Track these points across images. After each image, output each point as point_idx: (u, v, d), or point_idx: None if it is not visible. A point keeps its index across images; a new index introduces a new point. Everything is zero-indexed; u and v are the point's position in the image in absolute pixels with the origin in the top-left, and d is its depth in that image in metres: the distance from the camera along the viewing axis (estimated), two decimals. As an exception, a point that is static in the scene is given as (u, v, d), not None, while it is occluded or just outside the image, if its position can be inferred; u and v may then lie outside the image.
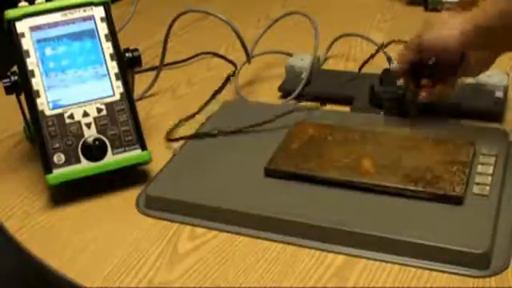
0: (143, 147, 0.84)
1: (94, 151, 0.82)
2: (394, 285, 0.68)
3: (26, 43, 0.83)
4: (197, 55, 1.18)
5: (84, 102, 0.84)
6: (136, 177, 0.86)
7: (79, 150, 0.82)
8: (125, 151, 0.84)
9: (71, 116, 0.83)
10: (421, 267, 0.70)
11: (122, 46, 0.87)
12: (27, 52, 0.83)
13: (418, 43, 0.87)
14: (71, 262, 0.75)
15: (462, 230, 0.71)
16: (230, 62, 1.15)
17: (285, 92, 1.04)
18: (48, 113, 0.82)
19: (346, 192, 0.78)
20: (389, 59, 1.05)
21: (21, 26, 0.83)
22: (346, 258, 0.72)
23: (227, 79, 1.08)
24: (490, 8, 0.81)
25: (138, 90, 1.02)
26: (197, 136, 0.91)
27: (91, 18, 0.85)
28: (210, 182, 0.82)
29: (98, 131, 0.83)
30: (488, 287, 0.68)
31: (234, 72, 1.09)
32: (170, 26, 1.05)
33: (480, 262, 0.69)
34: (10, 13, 0.83)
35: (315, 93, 1.02)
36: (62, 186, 0.83)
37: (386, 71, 1.04)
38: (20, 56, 0.83)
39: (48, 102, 0.83)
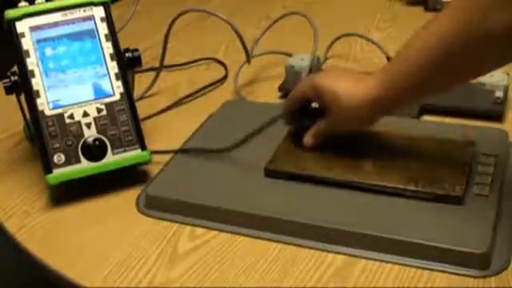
0: (143, 147, 0.84)
1: (94, 151, 0.82)
2: (394, 285, 0.68)
3: (26, 43, 0.83)
4: (196, 61, 1.18)
5: (84, 102, 0.84)
6: (136, 177, 0.86)
7: (79, 150, 0.82)
8: (125, 151, 0.84)
9: (71, 116, 0.83)
10: (421, 267, 0.70)
11: (122, 46, 0.87)
12: (27, 52, 0.83)
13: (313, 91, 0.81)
14: (71, 262, 0.75)
15: (462, 230, 0.71)
16: (224, 66, 1.15)
17: (285, 92, 1.04)
18: (48, 113, 0.82)
19: (346, 192, 0.78)
20: (389, 59, 1.05)
21: (21, 26, 0.83)
22: (345, 258, 0.72)
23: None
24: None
25: (138, 90, 1.02)
26: (183, 151, 0.89)
27: (91, 18, 0.85)
28: (210, 182, 0.82)
29: (98, 131, 0.83)
30: (488, 287, 0.68)
31: (226, 76, 1.11)
32: (170, 26, 1.05)
33: (480, 262, 0.69)
34: (10, 13, 0.83)
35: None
36: (62, 186, 0.83)
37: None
38: (20, 56, 0.83)
39: (48, 102, 0.83)
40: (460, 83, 0.74)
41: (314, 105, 0.85)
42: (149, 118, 1.00)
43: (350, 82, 0.79)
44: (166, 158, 0.88)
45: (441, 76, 0.73)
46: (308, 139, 0.84)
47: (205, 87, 1.08)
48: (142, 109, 0.98)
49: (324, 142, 0.84)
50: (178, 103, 1.04)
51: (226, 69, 1.14)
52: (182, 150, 0.89)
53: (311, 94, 0.82)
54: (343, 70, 0.82)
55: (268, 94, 1.06)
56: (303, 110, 0.86)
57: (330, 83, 0.80)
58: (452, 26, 0.69)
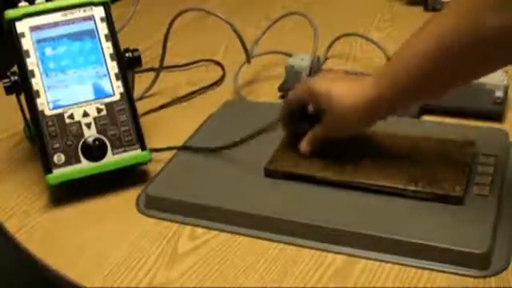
0: (143, 147, 0.84)
1: (94, 151, 0.82)
2: (394, 285, 0.68)
3: (26, 43, 0.83)
4: (195, 62, 1.18)
5: (84, 102, 0.84)
6: (136, 177, 0.86)
7: (79, 149, 0.82)
8: (125, 151, 0.84)
9: (71, 116, 0.83)
10: (421, 267, 0.70)
11: (122, 46, 0.87)
12: (27, 52, 0.83)
13: (311, 93, 0.80)
14: (71, 262, 0.75)
15: (462, 230, 0.71)
16: (221, 67, 1.15)
17: (285, 92, 1.04)
18: (48, 113, 0.82)
19: (345, 192, 0.78)
20: (389, 59, 1.05)
21: (21, 26, 0.83)
22: (345, 258, 0.72)
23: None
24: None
25: (138, 90, 1.02)
26: (186, 148, 0.89)
27: (91, 18, 0.85)
28: (210, 182, 0.82)
29: (98, 131, 0.83)
30: (488, 287, 0.68)
31: (223, 76, 1.11)
32: (170, 26, 1.05)
33: (480, 262, 0.69)
34: (10, 13, 0.83)
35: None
36: (62, 186, 0.83)
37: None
38: (20, 56, 0.83)
39: (48, 102, 0.83)
40: (458, 86, 0.73)
41: (310, 108, 0.83)
42: (147, 113, 0.99)
43: (344, 83, 0.78)
44: (166, 157, 0.88)
45: (439, 78, 0.72)
46: (304, 146, 0.83)
47: (202, 88, 1.08)
48: (142, 109, 0.98)
49: (320, 147, 0.82)
50: (176, 101, 1.04)
51: (223, 70, 1.14)
52: (181, 148, 0.89)
53: (306, 96, 0.81)
54: (340, 73, 0.80)
55: (268, 94, 1.06)
56: (301, 113, 0.84)
57: (325, 85, 0.79)
58: (449, 26, 0.68)
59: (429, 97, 0.78)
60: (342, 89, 0.77)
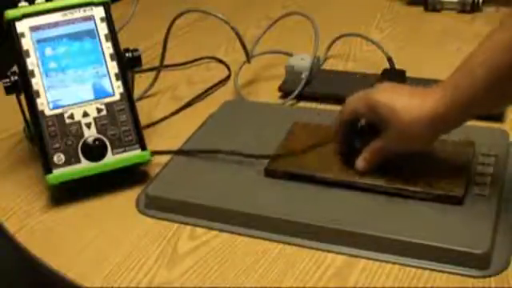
0: (143, 147, 0.84)
1: (94, 151, 0.82)
2: (394, 285, 0.68)
3: (26, 43, 0.83)
4: (195, 60, 1.18)
5: (84, 102, 0.84)
6: (136, 177, 0.86)
7: (79, 150, 0.82)
8: (125, 151, 0.84)
9: (71, 116, 0.83)
10: (421, 267, 0.70)
11: (122, 46, 0.87)
12: (27, 52, 0.83)
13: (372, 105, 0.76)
14: (71, 262, 0.75)
15: (462, 230, 0.71)
16: (226, 66, 1.14)
17: (285, 92, 1.04)
18: (48, 113, 0.82)
19: (346, 192, 0.78)
20: (389, 59, 1.06)
21: (21, 26, 0.83)
22: (345, 258, 0.72)
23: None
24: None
25: (138, 90, 1.02)
26: (180, 153, 0.88)
27: (91, 18, 0.85)
28: (210, 182, 0.82)
29: (98, 131, 0.83)
30: (488, 287, 0.68)
31: (229, 76, 1.11)
32: (170, 26, 1.05)
33: (480, 262, 0.69)
34: (10, 13, 0.83)
35: (315, 93, 1.02)
36: (62, 186, 0.83)
37: (386, 71, 1.04)
38: (20, 56, 0.82)
39: (48, 102, 0.83)
40: None
41: (361, 123, 0.80)
42: (151, 125, 0.98)
43: (408, 95, 0.74)
44: (166, 158, 0.88)
45: (504, 89, 0.69)
46: (361, 163, 0.79)
47: (209, 88, 1.08)
48: (142, 109, 0.98)
49: (378, 165, 0.78)
50: (182, 108, 1.04)
51: (228, 68, 1.13)
52: (180, 152, 0.88)
53: (365, 110, 0.77)
54: (395, 85, 0.78)
55: (268, 94, 1.06)
56: (351, 129, 0.81)
57: (387, 97, 0.75)
58: None
59: (495, 108, 0.74)
60: (407, 101, 0.74)
